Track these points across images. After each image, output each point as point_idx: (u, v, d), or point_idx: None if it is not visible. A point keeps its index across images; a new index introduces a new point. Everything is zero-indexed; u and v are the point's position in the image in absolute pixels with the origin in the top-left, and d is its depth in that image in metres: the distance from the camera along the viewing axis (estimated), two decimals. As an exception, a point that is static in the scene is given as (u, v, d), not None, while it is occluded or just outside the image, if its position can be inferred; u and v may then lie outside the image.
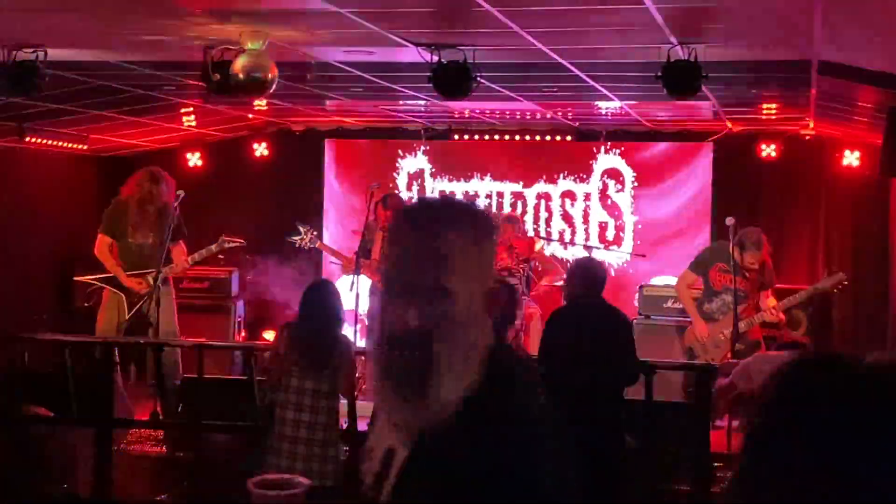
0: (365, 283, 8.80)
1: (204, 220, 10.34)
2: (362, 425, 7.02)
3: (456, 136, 11.83)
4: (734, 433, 6.96)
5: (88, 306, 8.94)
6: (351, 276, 8.71)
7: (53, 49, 6.74)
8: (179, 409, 7.65)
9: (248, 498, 5.27)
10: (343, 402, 6.24)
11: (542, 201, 11.72)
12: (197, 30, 6.23)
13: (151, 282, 8.37)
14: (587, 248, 11.01)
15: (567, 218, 11.66)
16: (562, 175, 11.67)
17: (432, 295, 1.75)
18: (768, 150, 10.87)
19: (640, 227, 11.45)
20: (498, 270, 9.74)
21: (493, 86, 7.98)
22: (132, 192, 8.49)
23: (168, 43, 6.64)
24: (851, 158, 10.51)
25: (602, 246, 11.34)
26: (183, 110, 10.15)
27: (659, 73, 6.30)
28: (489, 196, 11.84)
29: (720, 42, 6.24)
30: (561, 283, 10.14)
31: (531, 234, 11.19)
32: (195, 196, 10.00)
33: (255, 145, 12.06)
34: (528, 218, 11.57)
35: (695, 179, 11.26)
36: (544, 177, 11.70)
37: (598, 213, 11.59)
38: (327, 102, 10.01)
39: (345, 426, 6.56)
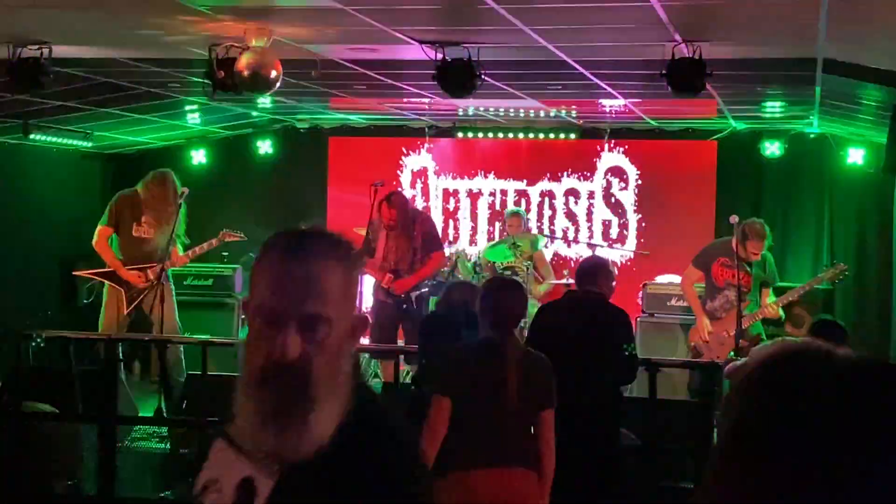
0: (369, 281, 8.80)
1: (208, 216, 10.35)
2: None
3: (460, 134, 11.83)
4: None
5: (89, 303, 8.97)
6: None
7: (58, 46, 6.76)
8: (183, 405, 7.66)
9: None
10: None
11: (546, 199, 11.72)
12: (202, 27, 6.24)
13: (151, 276, 8.37)
14: (591, 246, 11.00)
15: (571, 216, 11.66)
16: (566, 173, 11.66)
17: (309, 323, 1.74)
18: (772, 148, 10.86)
19: (643, 225, 11.45)
20: (502, 269, 9.76)
21: (497, 83, 7.98)
22: (141, 190, 8.54)
23: (173, 40, 6.64)
24: (856, 156, 10.50)
25: (606, 244, 11.34)
26: (188, 107, 10.17)
27: (663, 71, 6.29)
28: (493, 194, 11.85)
29: (724, 40, 6.24)
30: (561, 282, 10.18)
31: (534, 231, 11.20)
32: (200, 193, 10.02)
33: (260, 142, 12.07)
34: (532, 216, 11.57)
35: (699, 177, 11.25)
36: (548, 175, 11.70)
37: (601, 211, 11.59)
38: (332, 100, 10.02)
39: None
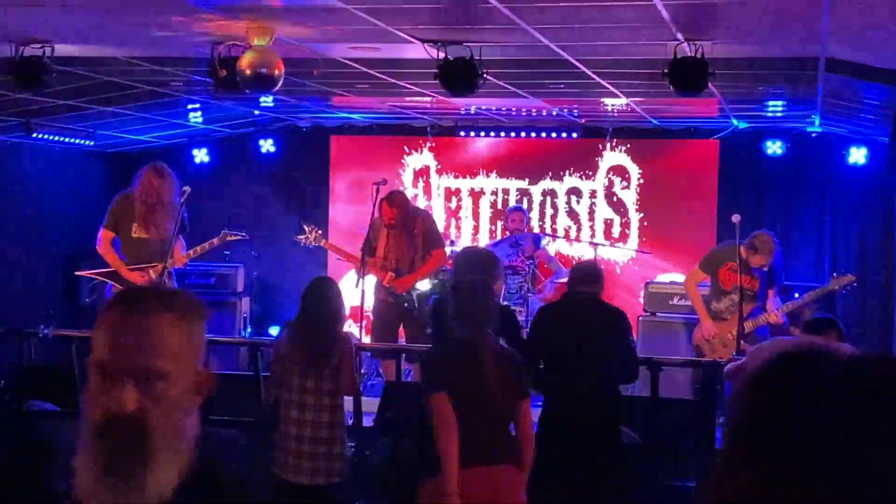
0: (370, 280, 8.81)
1: (210, 216, 10.36)
2: (367, 421, 7.04)
3: (462, 133, 11.83)
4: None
5: (90, 302, 8.98)
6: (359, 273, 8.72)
7: (60, 45, 6.76)
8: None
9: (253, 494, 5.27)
10: (348, 398, 6.22)
11: (548, 198, 11.72)
12: (204, 26, 6.24)
13: (153, 275, 8.37)
14: (593, 245, 11.01)
15: (573, 215, 11.66)
16: (568, 172, 11.66)
17: (145, 377, 1.73)
18: (774, 148, 10.86)
19: (645, 224, 11.45)
20: (503, 268, 9.75)
21: (499, 82, 7.98)
22: (136, 187, 8.50)
23: (175, 39, 6.65)
24: (858, 155, 10.49)
25: (608, 243, 11.34)
26: (190, 106, 10.17)
27: (666, 70, 6.29)
28: (494, 193, 11.85)
29: (727, 39, 6.24)
30: (563, 280, 10.18)
31: (536, 230, 11.20)
32: (202, 192, 10.02)
33: (262, 141, 12.07)
34: (534, 215, 11.57)
35: (701, 177, 11.25)
36: (550, 174, 11.69)
37: (603, 210, 11.58)
38: (334, 99, 10.02)
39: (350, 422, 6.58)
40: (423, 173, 11.96)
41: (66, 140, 10.53)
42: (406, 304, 8.58)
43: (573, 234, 11.59)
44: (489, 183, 11.86)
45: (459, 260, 6.67)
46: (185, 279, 10.02)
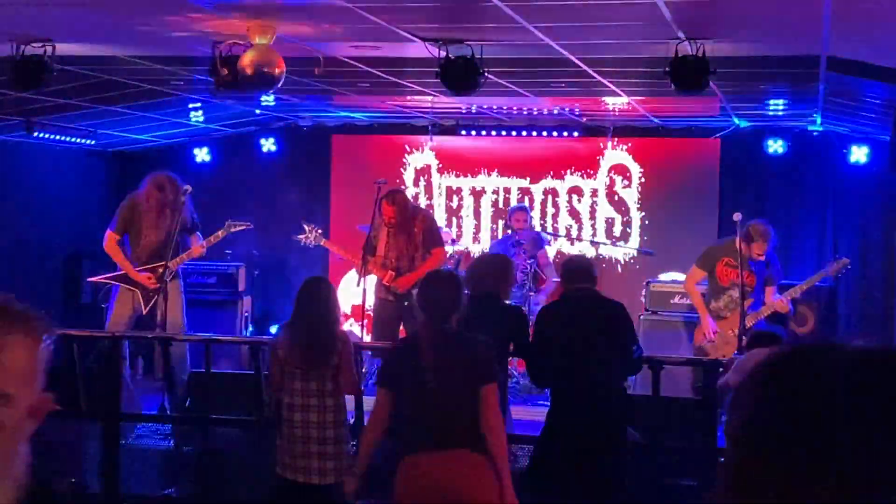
0: (371, 279, 8.80)
1: (212, 215, 10.34)
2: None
3: (463, 132, 11.82)
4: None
5: (93, 301, 9.00)
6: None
7: (61, 43, 6.76)
8: (187, 403, 7.67)
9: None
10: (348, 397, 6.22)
11: (549, 197, 11.71)
12: (205, 24, 6.24)
13: (161, 275, 8.40)
14: (594, 244, 11.01)
15: (574, 214, 11.65)
16: (569, 171, 11.66)
17: None
18: (776, 146, 10.85)
19: (647, 222, 11.45)
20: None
21: (500, 81, 7.98)
22: (145, 194, 8.59)
23: (176, 38, 6.65)
24: (859, 154, 10.49)
25: (609, 242, 11.34)
26: (191, 105, 10.17)
27: (667, 69, 6.29)
28: (496, 192, 11.85)
29: (728, 38, 6.24)
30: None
31: (538, 228, 11.19)
32: (203, 191, 10.03)
33: (263, 140, 12.07)
34: (535, 214, 11.56)
35: (702, 175, 11.25)
36: (551, 173, 11.69)
37: (605, 209, 11.58)
38: (335, 98, 10.02)
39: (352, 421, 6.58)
40: (424, 172, 11.96)
41: (67, 139, 10.53)
42: (406, 303, 8.58)
43: (574, 233, 11.59)
44: (490, 182, 11.86)
45: (475, 267, 6.65)
46: (187, 278, 10.03)
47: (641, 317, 9.80)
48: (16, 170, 10.46)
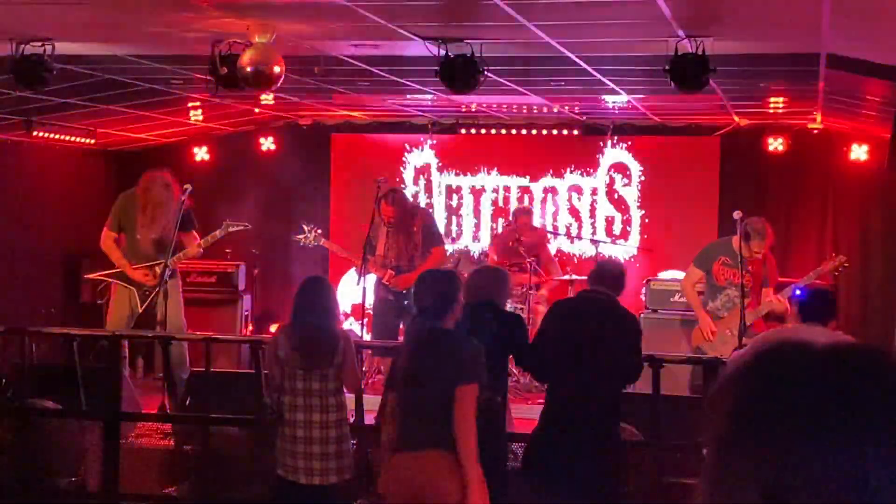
0: (371, 278, 8.81)
1: (211, 214, 10.35)
2: (369, 419, 7.04)
3: (463, 131, 11.82)
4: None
5: (99, 303, 9.01)
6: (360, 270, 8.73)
7: (61, 43, 6.75)
8: (187, 402, 7.67)
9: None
10: (349, 395, 6.21)
11: (549, 195, 11.71)
12: (205, 23, 6.23)
13: (159, 273, 8.40)
14: (594, 242, 11.01)
15: (574, 212, 11.65)
16: (569, 169, 11.66)
17: None
18: (776, 144, 10.85)
19: (646, 221, 11.45)
20: (509, 267, 9.75)
21: (500, 79, 7.98)
22: (139, 191, 8.59)
23: (176, 36, 6.64)
24: (859, 152, 10.49)
25: (609, 240, 11.34)
26: (190, 104, 10.17)
27: (666, 67, 6.28)
28: (496, 190, 11.84)
29: (728, 35, 6.23)
30: (564, 278, 10.18)
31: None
32: (202, 190, 10.02)
33: (262, 139, 12.07)
34: (535, 212, 11.55)
35: (702, 173, 11.24)
36: (551, 171, 11.69)
37: (604, 208, 11.58)
38: (334, 96, 10.02)
39: (352, 419, 6.58)
40: (424, 171, 11.95)
41: (67, 138, 10.53)
42: (406, 302, 8.58)
43: (574, 231, 11.59)
44: (490, 180, 11.85)
45: (472, 278, 6.60)
46: (186, 277, 10.03)
47: (641, 315, 9.79)
48: (16, 169, 10.45)
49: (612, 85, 8.40)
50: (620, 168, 11.54)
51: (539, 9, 5.66)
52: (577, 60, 7.17)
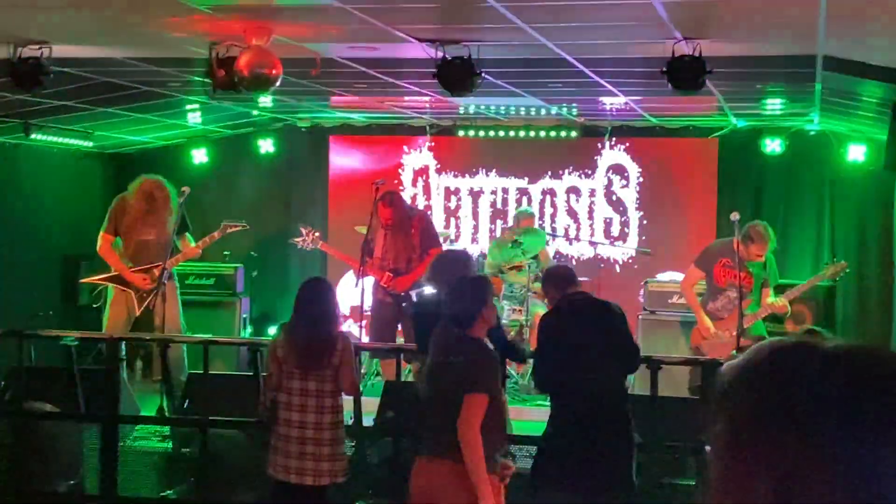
0: (369, 280, 8.81)
1: (209, 216, 10.36)
2: (367, 421, 7.04)
3: (461, 132, 11.82)
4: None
5: (91, 303, 9.00)
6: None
7: (58, 46, 6.75)
8: (185, 405, 7.66)
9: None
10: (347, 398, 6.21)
11: (548, 197, 11.72)
12: (202, 26, 6.24)
13: (156, 276, 8.41)
14: (592, 244, 11.01)
15: (572, 214, 11.66)
16: (567, 171, 11.66)
17: None
18: (773, 146, 10.86)
19: (645, 222, 11.45)
20: (508, 269, 9.75)
21: (497, 82, 7.98)
22: (135, 195, 8.60)
23: (173, 39, 6.64)
24: (856, 153, 10.49)
25: (607, 242, 11.34)
26: (188, 107, 10.17)
27: (663, 69, 6.29)
28: (494, 192, 11.85)
29: (725, 37, 6.24)
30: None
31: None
32: (200, 192, 10.03)
33: (261, 141, 12.07)
34: (534, 213, 11.56)
35: (700, 175, 11.25)
36: (549, 173, 11.69)
37: (603, 209, 11.59)
38: (332, 99, 10.02)
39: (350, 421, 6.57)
40: (422, 173, 11.96)
41: (65, 141, 10.53)
42: (404, 304, 8.59)
43: (572, 232, 11.59)
44: (488, 182, 11.86)
45: (435, 263, 6.59)
46: (185, 279, 10.03)
47: (640, 316, 9.80)
48: (13, 171, 10.45)
49: (609, 86, 8.41)
50: (618, 169, 11.54)
51: (536, 11, 5.66)
52: (574, 62, 7.17)
